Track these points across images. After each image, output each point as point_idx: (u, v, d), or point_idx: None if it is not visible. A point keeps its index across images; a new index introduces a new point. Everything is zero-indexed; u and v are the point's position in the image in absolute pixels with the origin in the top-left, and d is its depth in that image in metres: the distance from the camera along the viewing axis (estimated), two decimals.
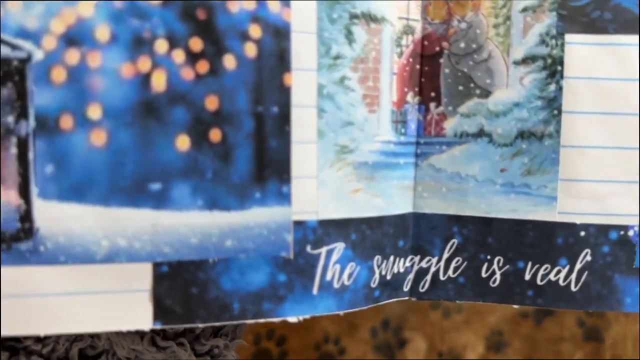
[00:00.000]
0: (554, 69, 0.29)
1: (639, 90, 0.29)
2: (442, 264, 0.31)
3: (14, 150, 0.25)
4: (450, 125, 0.30)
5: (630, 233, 0.29)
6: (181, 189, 0.26)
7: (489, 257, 0.30)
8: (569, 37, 0.28)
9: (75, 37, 0.25)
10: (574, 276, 0.30)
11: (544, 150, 0.29)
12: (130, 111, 0.25)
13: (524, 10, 0.29)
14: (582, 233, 0.29)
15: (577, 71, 0.28)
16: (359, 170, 0.29)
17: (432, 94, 0.30)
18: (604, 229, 0.29)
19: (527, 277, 0.30)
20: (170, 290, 0.26)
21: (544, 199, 0.29)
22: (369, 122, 0.29)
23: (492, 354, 0.45)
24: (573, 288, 0.30)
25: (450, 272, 0.31)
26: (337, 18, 0.28)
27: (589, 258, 0.29)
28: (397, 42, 0.29)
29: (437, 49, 0.30)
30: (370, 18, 0.28)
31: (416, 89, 0.31)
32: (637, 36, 0.29)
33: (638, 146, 0.29)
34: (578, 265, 0.29)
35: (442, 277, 0.31)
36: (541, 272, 0.30)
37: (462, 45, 0.30)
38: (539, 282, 0.30)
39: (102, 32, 0.25)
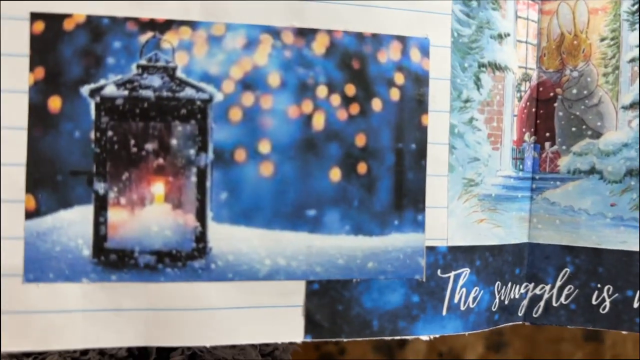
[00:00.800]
0: None
1: None
2: (555, 291, 0.33)
3: (193, 179, 0.28)
4: (564, 162, 0.33)
5: None
6: (332, 215, 0.29)
7: (599, 285, 0.33)
8: None
9: (250, 82, 0.28)
10: None
11: None
12: (294, 147, 0.29)
13: (632, 60, 0.32)
14: None
15: None
16: (483, 201, 0.32)
17: (547, 134, 0.33)
18: None
19: (636, 305, 0.32)
20: (320, 307, 0.29)
21: None
22: (492, 158, 0.32)
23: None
24: None
25: (562, 299, 0.33)
26: (468, 67, 0.31)
27: None
28: (517, 87, 0.33)
29: (552, 94, 0.33)
30: (495, 67, 0.32)
31: (532, 130, 0.34)
32: None
33: None
34: None
35: (554, 304, 0.33)
36: None
37: (575, 91, 0.33)
38: None
39: (274, 79, 0.29)
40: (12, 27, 0.27)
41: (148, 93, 0.28)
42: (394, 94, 0.30)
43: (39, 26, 0.27)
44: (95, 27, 0.27)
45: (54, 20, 0.27)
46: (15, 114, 0.27)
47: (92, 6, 0.27)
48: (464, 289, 0.31)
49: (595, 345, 0.47)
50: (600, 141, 0.33)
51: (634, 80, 0.32)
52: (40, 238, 0.27)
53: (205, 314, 0.28)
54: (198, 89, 0.28)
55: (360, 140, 0.30)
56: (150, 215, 0.28)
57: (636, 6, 0.32)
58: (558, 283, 0.33)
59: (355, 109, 0.29)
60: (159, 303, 0.28)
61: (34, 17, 0.27)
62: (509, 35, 0.32)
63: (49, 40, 0.27)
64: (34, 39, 0.27)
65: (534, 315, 0.34)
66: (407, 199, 0.30)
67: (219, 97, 0.28)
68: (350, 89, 0.29)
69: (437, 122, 0.31)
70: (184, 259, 0.28)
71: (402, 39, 0.30)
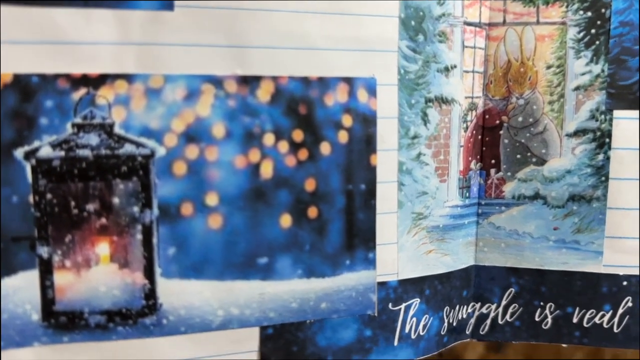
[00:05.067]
0: (602, 140, 0.32)
1: None
2: (500, 310, 0.35)
3: (139, 236, 0.28)
4: (509, 188, 0.34)
5: None
6: (284, 261, 0.29)
7: (541, 303, 0.34)
8: (616, 113, 0.32)
9: (194, 134, 0.27)
10: (616, 320, 0.34)
11: (592, 211, 0.33)
12: (243, 197, 0.28)
13: (577, 89, 0.32)
14: (625, 283, 0.33)
15: (623, 143, 0.32)
16: (431, 233, 0.32)
17: (492, 161, 0.34)
18: None
19: (575, 320, 0.34)
20: (275, 350, 0.30)
21: (592, 253, 0.33)
22: (440, 191, 0.32)
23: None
24: (615, 330, 0.34)
25: (507, 316, 0.35)
26: (415, 103, 0.31)
27: (630, 304, 0.33)
28: (463, 118, 0.33)
29: (497, 122, 0.34)
30: (442, 100, 0.31)
31: (478, 157, 0.34)
32: None
33: None
34: (620, 310, 0.33)
35: (500, 321, 0.35)
36: (587, 316, 0.34)
37: (520, 119, 0.33)
38: (585, 324, 0.34)
39: (218, 129, 0.28)
40: None
41: (85, 152, 0.26)
42: (342, 137, 0.29)
43: None
44: (24, 86, 0.25)
45: None
46: None
47: (18, 64, 0.25)
48: (414, 319, 0.32)
49: None
50: (544, 168, 0.33)
51: (578, 108, 0.33)
52: None
53: None
54: (138, 145, 0.27)
55: (310, 185, 0.29)
56: (97, 276, 0.27)
57: (582, 34, 0.32)
58: (503, 302, 0.35)
59: (303, 154, 0.29)
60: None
61: None
62: (455, 67, 0.32)
63: None
64: None
65: (481, 333, 0.35)
66: (358, 239, 0.30)
67: (161, 151, 0.27)
68: (298, 135, 0.29)
69: (386, 160, 0.30)
70: (135, 317, 0.28)
71: (348, 80, 0.29)
